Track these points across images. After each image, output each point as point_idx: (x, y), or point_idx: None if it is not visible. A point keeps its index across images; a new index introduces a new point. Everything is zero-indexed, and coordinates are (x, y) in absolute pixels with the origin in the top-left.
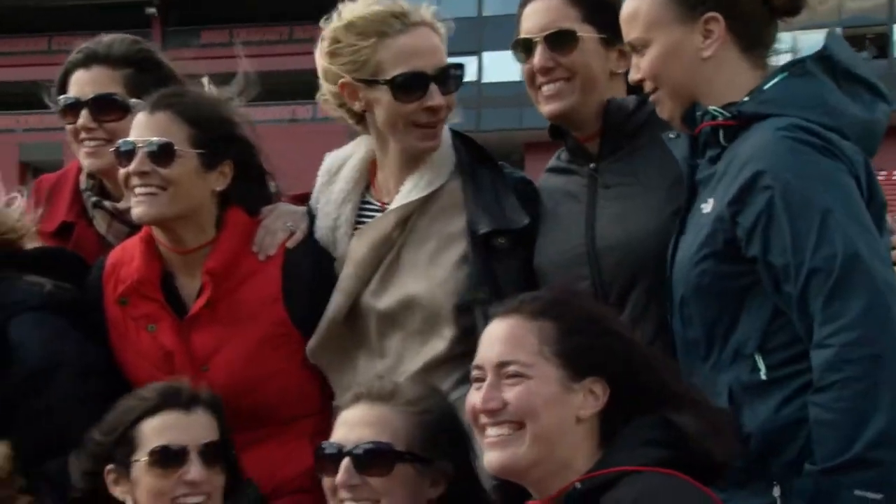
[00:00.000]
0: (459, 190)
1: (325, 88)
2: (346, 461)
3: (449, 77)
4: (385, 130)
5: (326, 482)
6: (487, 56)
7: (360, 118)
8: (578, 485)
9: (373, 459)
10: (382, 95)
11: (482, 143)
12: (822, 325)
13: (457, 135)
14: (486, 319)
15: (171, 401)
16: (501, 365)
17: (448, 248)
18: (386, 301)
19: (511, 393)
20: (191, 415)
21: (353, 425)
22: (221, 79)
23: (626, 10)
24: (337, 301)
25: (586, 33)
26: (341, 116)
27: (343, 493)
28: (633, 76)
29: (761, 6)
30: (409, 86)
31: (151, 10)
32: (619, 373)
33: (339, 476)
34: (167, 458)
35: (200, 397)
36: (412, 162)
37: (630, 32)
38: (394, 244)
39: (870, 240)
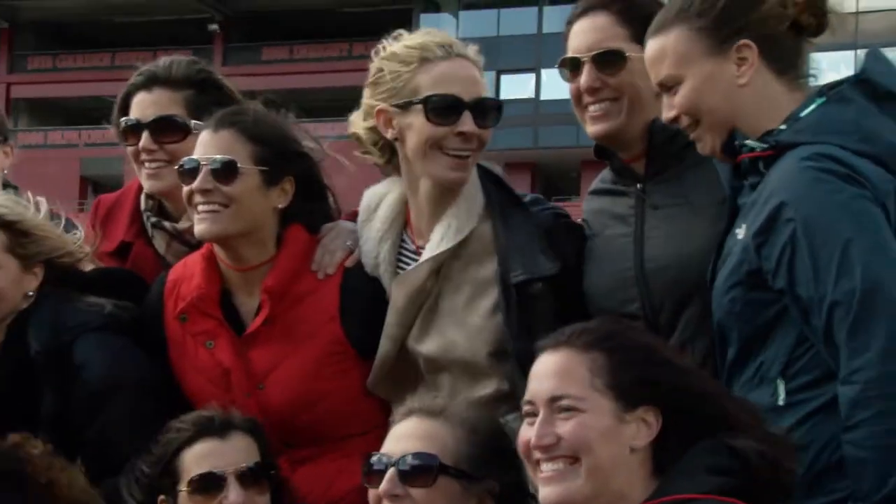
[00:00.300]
0: (490, 232)
1: (361, 126)
2: (391, 471)
3: (485, 109)
4: (415, 158)
5: (371, 494)
6: (545, 73)
7: (389, 160)
8: None
9: (417, 471)
10: (415, 119)
11: (540, 160)
12: (847, 360)
13: (486, 174)
14: (522, 370)
15: (205, 430)
16: (553, 399)
17: (482, 296)
18: (428, 346)
19: (564, 428)
20: (226, 441)
21: (401, 438)
22: (282, 94)
23: (651, 51)
24: (384, 346)
25: (635, 53)
26: (369, 155)
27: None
28: (668, 115)
29: (787, 28)
30: (443, 108)
31: (214, 27)
32: (670, 401)
33: (383, 485)
34: (206, 485)
35: (234, 422)
36: (441, 200)
37: (660, 72)
38: (430, 292)
39: (894, 268)
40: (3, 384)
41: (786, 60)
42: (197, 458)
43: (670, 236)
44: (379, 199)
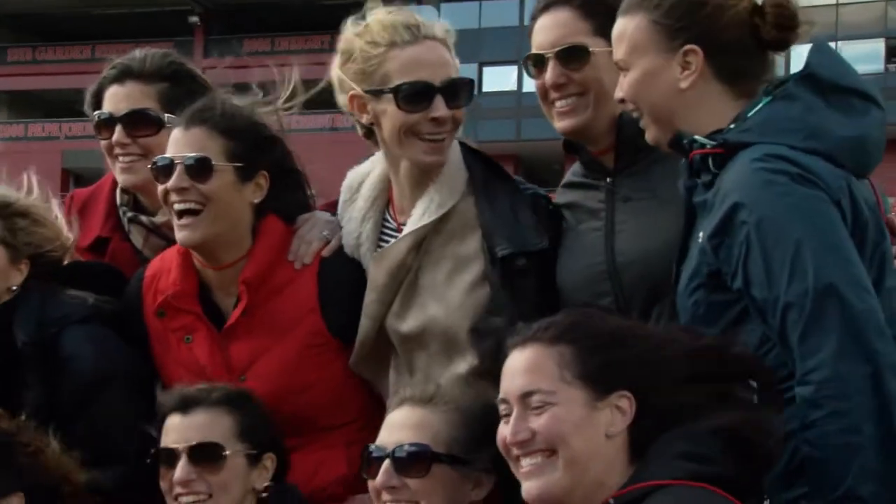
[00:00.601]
0: (473, 208)
1: (340, 99)
2: (385, 463)
3: (457, 90)
4: (391, 143)
5: (370, 484)
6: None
7: (370, 133)
8: (611, 501)
9: (411, 461)
10: (388, 106)
11: (523, 152)
12: (801, 361)
13: (468, 150)
14: (501, 345)
15: (173, 404)
16: (525, 395)
17: (463, 271)
18: (409, 324)
19: (538, 422)
20: (186, 417)
21: (394, 428)
22: (264, 87)
23: (616, 29)
24: (364, 325)
25: (599, 47)
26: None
27: (385, 496)
28: (617, 94)
29: (747, 39)
30: (414, 95)
31: (194, 20)
32: (643, 384)
33: (379, 478)
34: (165, 460)
35: (201, 399)
36: (422, 179)
37: (616, 52)
38: (410, 268)
39: (846, 268)
40: None
41: (739, 70)
42: (164, 433)
43: (639, 230)
44: (361, 179)
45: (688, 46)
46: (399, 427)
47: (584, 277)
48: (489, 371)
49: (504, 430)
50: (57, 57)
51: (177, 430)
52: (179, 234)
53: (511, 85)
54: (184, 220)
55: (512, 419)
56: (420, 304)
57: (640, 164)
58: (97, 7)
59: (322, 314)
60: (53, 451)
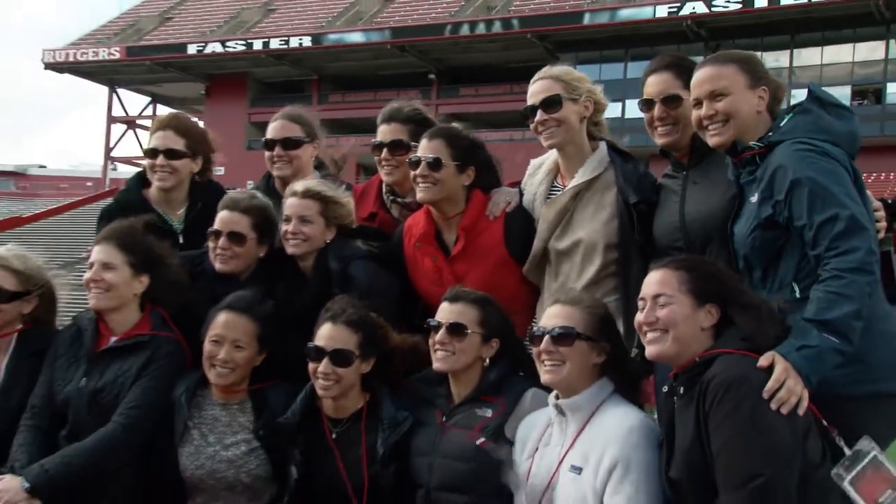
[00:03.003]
0: (612, 175)
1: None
2: (546, 338)
3: (546, 104)
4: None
5: (534, 350)
6: (629, 102)
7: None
8: (697, 359)
9: (561, 337)
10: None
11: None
12: (828, 257)
13: (610, 146)
14: (629, 259)
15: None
16: (655, 296)
17: (601, 211)
18: (564, 243)
19: (661, 313)
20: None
21: (551, 316)
22: (472, 116)
23: (712, 71)
24: (536, 246)
25: (686, 96)
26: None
27: (544, 356)
28: (706, 112)
29: (778, 89)
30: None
31: (432, 76)
32: (725, 300)
33: (542, 346)
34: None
35: (464, 296)
36: (575, 157)
37: (717, 84)
38: (569, 209)
39: (858, 206)
40: (315, 286)
41: (777, 103)
42: (437, 312)
43: (699, 201)
44: (540, 163)
45: (763, 87)
46: (554, 316)
47: (667, 227)
48: (610, 274)
49: (639, 316)
50: (354, 99)
51: (443, 312)
52: (419, 195)
53: (618, 113)
54: (422, 185)
55: (646, 309)
56: (572, 230)
57: (702, 163)
58: (378, 70)
59: (506, 246)
60: (390, 330)
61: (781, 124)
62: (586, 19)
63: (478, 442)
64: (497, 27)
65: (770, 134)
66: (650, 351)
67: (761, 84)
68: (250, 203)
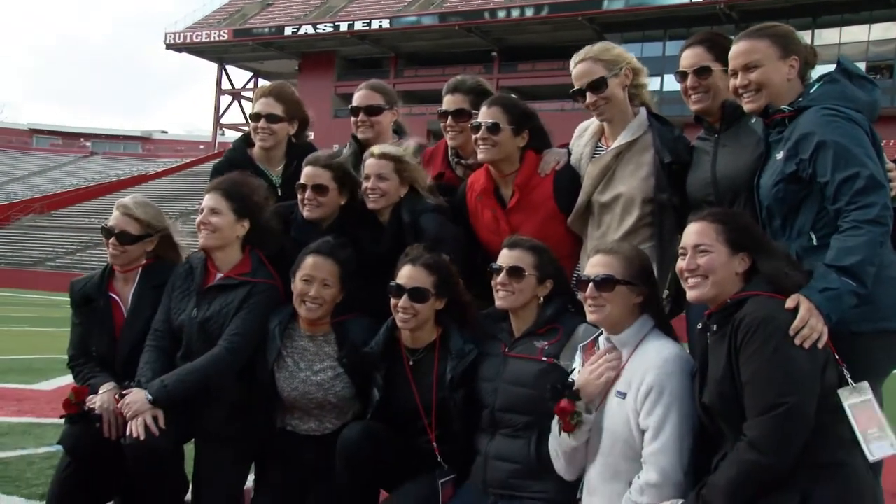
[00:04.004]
0: (650, 138)
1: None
2: (590, 284)
3: (592, 87)
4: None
5: (580, 295)
6: (667, 77)
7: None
8: (729, 300)
9: (603, 283)
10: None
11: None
12: (848, 210)
13: (649, 111)
14: (663, 211)
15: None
16: (696, 246)
17: (640, 169)
18: (605, 196)
19: (701, 260)
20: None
21: (593, 265)
22: (527, 90)
23: (746, 45)
24: (581, 199)
25: (716, 68)
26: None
27: (589, 301)
28: (741, 82)
29: (812, 57)
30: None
31: (493, 54)
32: (755, 249)
33: (587, 291)
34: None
35: (522, 244)
36: (618, 122)
37: (751, 57)
38: (611, 167)
39: (876, 166)
40: (391, 236)
41: (810, 67)
42: (499, 258)
43: (728, 160)
44: (586, 127)
45: (793, 57)
46: (596, 265)
47: (699, 182)
48: (648, 224)
49: (681, 263)
50: (426, 74)
51: (503, 257)
52: (481, 156)
53: (657, 87)
54: (482, 147)
55: (687, 258)
56: (614, 186)
57: (731, 127)
58: (448, 48)
59: (555, 200)
60: (458, 277)
61: (811, 91)
62: (629, 3)
63: (543, 358)
64: (547, 11)
65: (800, 99)
66: (691, 294)
67: (792, 54)
68: (330, 160)
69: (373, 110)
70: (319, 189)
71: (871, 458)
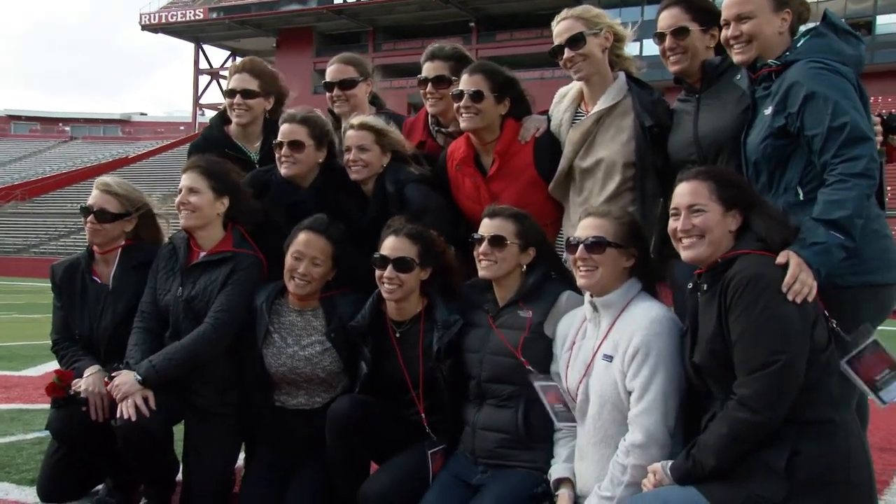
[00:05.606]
0: (629, 102)
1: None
2: (581, 247)
3: (571, 44)
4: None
5: (570, 258)
6: (646, 41)
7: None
8: (720, 260)
9: (594, 245)
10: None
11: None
12: (834, 163)
13: (629, 76)
14: (645, 175)
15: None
16: (690, 206)
17: (621, 134)
18: (587, 161)
19: (696, 220)
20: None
21: (584, 227)
22: (506, 59)
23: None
24: (561, 164)
25: (694, 28)
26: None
27: (580, 263)
28: (732, 33)
29: (805, 11)
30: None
31: (472, 24)
32: (747, 206)
33: (578, 254)
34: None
35: (501, 213)
36: (598, 86)
37: (744, 8)
38: (591, 132)
39: (863, 119)
40: (376, 206)
41: (802, 22)
42: (480, 227)
43: (709, 119)
44: (566, 92)
45: (787, 10)
46: (587, 227)
47: (682, 143)
48: (629, 188)
49: (674, 223)
50: (404, 47)
51: (484, 226)
52: (463, 124)
53: (636, 51)
54: (464, 115)
55: (681, 218)
56: (594, 150)
57: (711, 87)
58: (426, 20)
59: (535, 167)
60: (445, 246)
61: (798, 45)
62: None
63: (522, 359)
64: None
65: (787, 53)
66: (686, 255)
67: (785, 8)
68: (305, 115)
69: (346, 84)
70: (296, 145)
71: (880, 405)
